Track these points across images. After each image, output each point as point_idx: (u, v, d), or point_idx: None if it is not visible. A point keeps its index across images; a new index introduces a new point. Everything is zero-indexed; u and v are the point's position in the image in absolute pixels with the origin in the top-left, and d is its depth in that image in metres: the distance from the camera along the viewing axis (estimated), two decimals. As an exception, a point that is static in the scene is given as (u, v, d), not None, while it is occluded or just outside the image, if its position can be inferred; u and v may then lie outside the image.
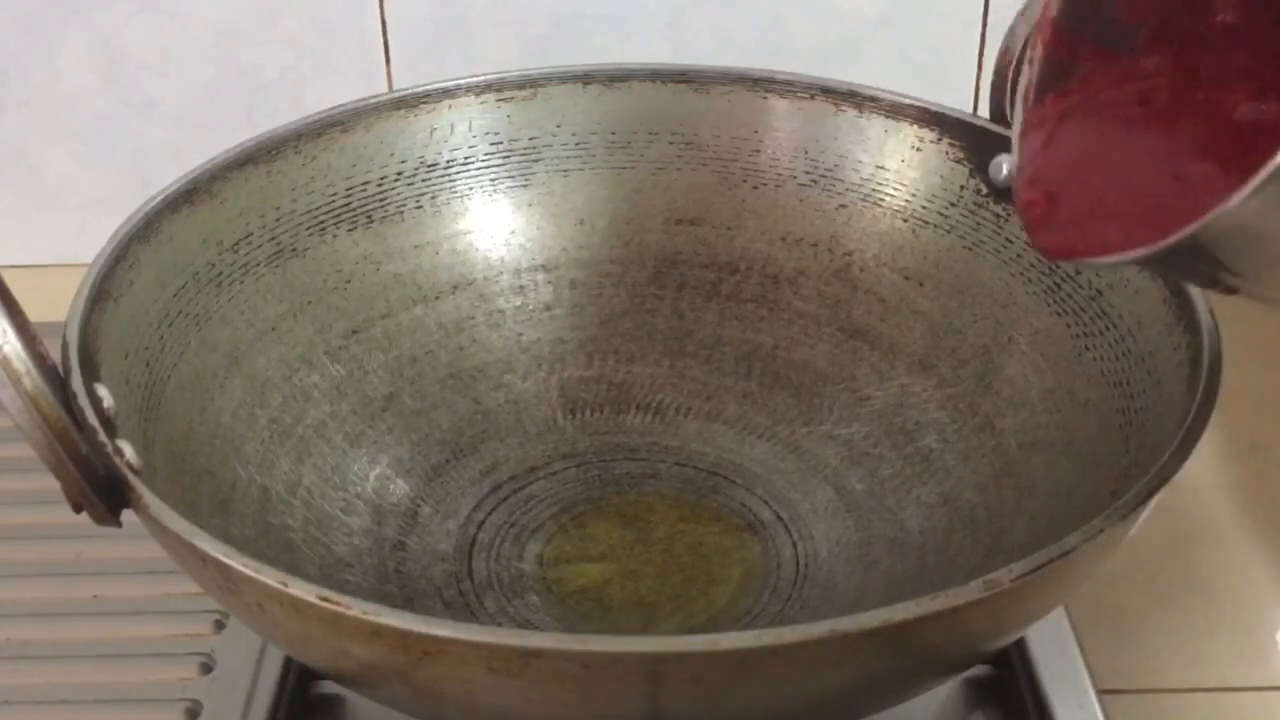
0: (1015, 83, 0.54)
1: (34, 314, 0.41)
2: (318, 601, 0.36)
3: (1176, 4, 0.45)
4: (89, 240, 0.49)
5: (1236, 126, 0.42)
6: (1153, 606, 0.56)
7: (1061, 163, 0.45)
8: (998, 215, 0.56)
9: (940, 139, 0.57)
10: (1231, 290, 0.43)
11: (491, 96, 0.59)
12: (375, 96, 0.58)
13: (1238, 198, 0.35)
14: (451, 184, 0.59)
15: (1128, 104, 0.44)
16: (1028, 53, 0.46)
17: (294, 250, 0.56)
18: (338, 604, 0.36)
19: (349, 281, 0.57)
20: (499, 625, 0.50)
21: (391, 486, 0.55)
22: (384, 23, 0.72)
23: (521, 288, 0.60)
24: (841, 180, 0.59)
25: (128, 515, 0.41)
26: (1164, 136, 0.43)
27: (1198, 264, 0.40)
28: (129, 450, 0.42)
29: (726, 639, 0.35)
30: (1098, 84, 0.45)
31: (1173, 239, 0.38)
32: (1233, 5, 0.44)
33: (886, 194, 0.58)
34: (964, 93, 0.73)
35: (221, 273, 0.53)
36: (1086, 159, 0.44)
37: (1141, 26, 0.45)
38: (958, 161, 0.57)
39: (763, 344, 0.60)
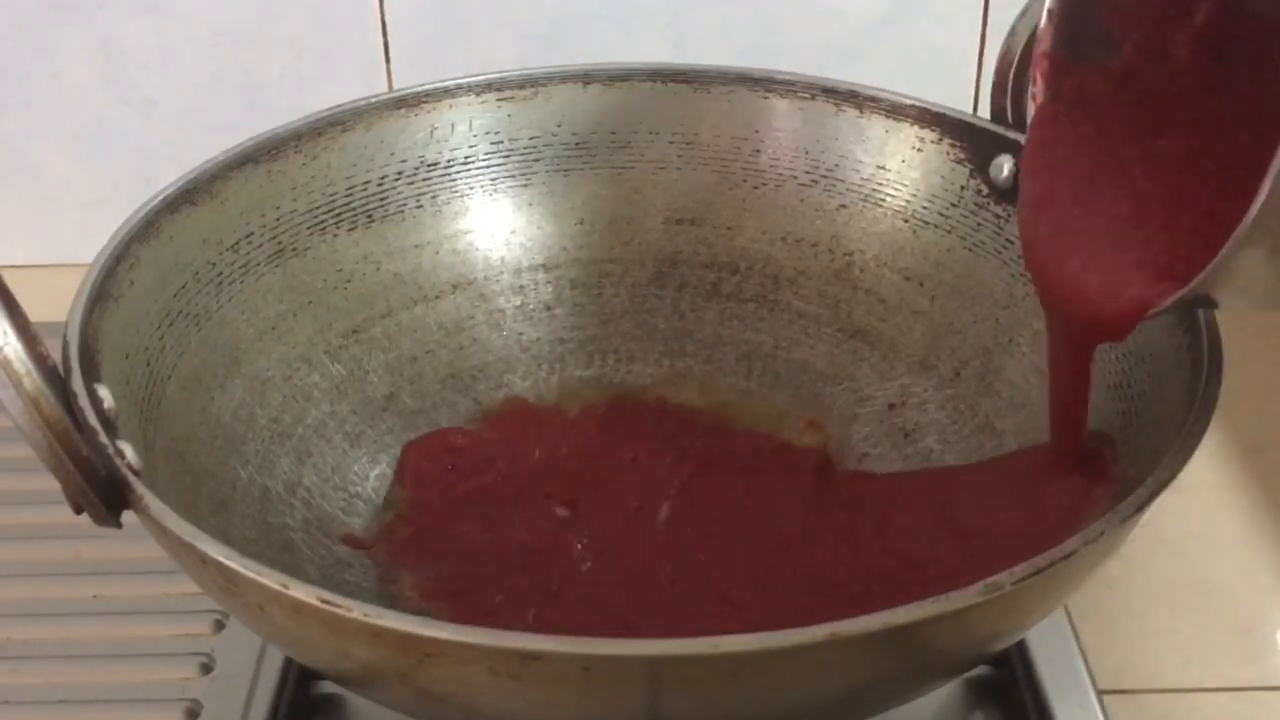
0: (1016, 85, 0.54)
1: (34, 314, 0.41)
2: (318, 604, 0.36)
3: (1162, 14, 0.45)
4: (89, 240, 0.49)
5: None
6: (1153, 606, 0.56)
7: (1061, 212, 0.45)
8: (998, 216, 0.55)
9: (941, 139, 0.57)
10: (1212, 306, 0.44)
11: (492, 96, 0.59)
12: (375, 96, 0.58)
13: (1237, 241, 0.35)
14: (452, 183, 0.59)
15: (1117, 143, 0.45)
16: (1029, 88, 0.47)
17: (294, 250, 0.56)
18: (338, 606, 0.36)
19: (349, 281, 0.57)
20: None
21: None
22: (384, 23, 0.72)
23: (521, 287, 0.60)
24: (842, 180, 0.59)
25: (128, 515, 0.41)
26: (1153, 182, 0.44)
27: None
28: (129, 451, 0.42)
29: (727, 641, 0.35)
30: (1091, 119, 0.46)
31: (1180, 294, 0.39)
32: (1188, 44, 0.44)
33: (887, 194, 0.58)
34: (964, 93, 0.73)
35: (222, 272, 0.53)
36: (1084, 204, 0.45)
37: (1129, 41, 0.46)
38: (958, 162, 0.56)
39: (763, 344, 0.60)
